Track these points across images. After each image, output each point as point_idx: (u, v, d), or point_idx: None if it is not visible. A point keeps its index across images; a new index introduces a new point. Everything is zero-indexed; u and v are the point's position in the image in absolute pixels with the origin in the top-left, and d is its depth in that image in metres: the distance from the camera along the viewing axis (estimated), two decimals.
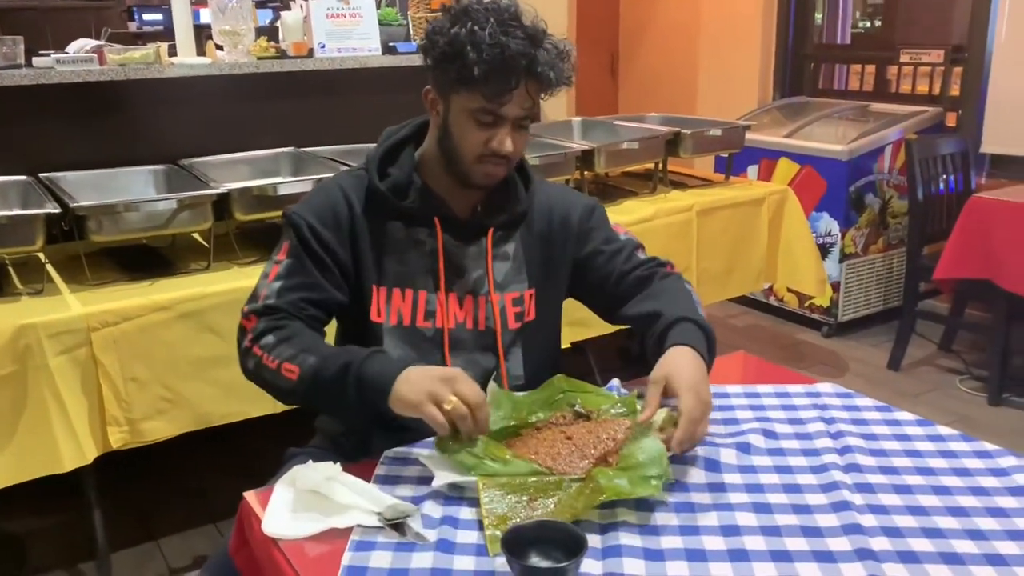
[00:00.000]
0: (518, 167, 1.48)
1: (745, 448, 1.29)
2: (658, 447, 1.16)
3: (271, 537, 1.11)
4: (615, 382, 1.49)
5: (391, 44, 2.98)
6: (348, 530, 1.10)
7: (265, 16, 4.09)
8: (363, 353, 1.26)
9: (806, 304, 3.95)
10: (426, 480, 1.19)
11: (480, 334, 1.45)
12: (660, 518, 1.12)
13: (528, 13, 1.33)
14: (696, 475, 1.22)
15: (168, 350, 2.02)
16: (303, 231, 1.38)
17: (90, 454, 1.95)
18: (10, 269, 2.18)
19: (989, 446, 1.31)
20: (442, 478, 1.17)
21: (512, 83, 1.29)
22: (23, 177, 2.33)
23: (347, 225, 1.41)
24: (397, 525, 1.09)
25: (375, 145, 1.47)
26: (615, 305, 1.50)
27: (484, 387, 1.34)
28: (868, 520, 1.11)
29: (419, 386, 1.19)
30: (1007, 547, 1.05)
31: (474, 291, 1.44)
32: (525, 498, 1.12)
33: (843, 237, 3.77)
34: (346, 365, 1.25)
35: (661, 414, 1.25)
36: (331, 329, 1.48)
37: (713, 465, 1.25)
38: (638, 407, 1.34)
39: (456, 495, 1.17)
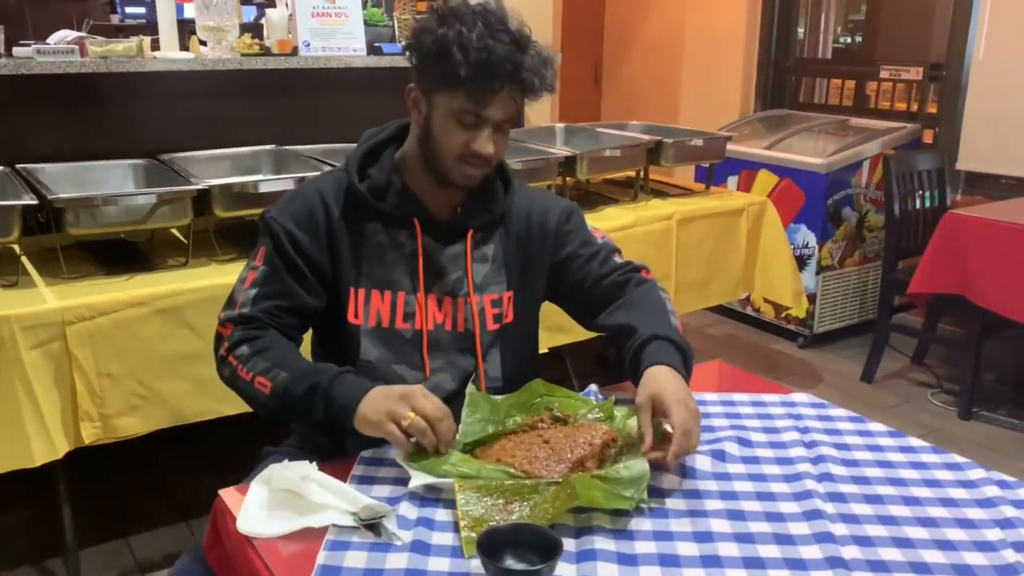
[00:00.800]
0: (498, 169, 1.48)
1: (720, 456, 1.30)
2: (643, 469, 1.16)
3: (245, 535, 1.10)
4: (593, 387, 1.50)
5: (376, 44, 2.98)
6: (323, 529, 1.10)
7: (250, 13, 4.08)
8: (331, 373, 1.28)
9: (782, 315, 3.99)
10: (402, 481, 1.19)
11: (459, 336, 1.45)
12: (634, 523, 1.13)
13: (514, 18, 1.34)
14: (671, 481, 1.23)
15: (143, 346, 2.01)
16: (280, 238, 1.39)
17: (61, 449, 1.93)
18: None
19: (959, 458, 1.33)
20: (418, 479, 1.17)
21: (496, 86, 1.30)
22: (0, 168, 2.30)
23: (324, 228, 1.41)
24: (372, 525, 1.09)
25: (355, 146, 1.47)
26: (591, 310, 1.52)
27: (463, 389, 1.34)
28: (839, 529, 1.12)
29: (379, 406, 1.22)
30: (974, 557, 1.07)
31: (453, 292, 1.44)
32: (501, 501, 1.12)
33: (820, 249, 3.81)
34: (314, 386, 1.27)
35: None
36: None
37: (688, 472, 1.26)
38: (615, 412, 1.34)
39: (432, 496, 1.17)
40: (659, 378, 1.27)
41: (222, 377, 1.38)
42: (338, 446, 1.40)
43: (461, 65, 1.27)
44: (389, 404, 1.21)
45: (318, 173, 2.32)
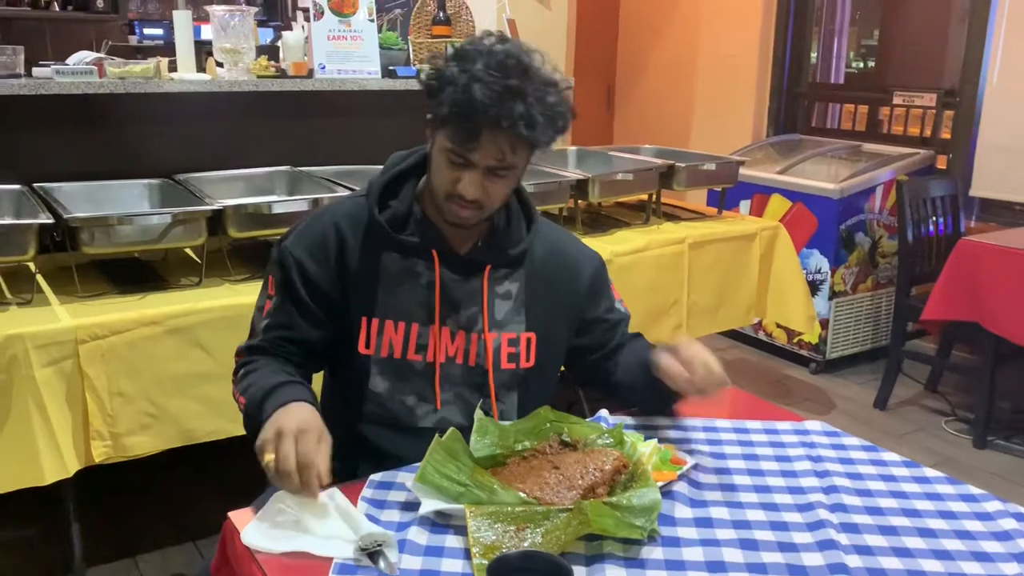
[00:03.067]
0: (522, 205, 1.48)
1: (732, 484, 1.29)
2: (654, 498, 1.16)
3: (251, 554, 1.10)
4: (603, 412, 1.49)
5: (391, 68, 3.00)
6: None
7: (267, 35, 4.12)
8: (268, 387, 1.29)
9: (794, 340, 3.97)
10: (412, 506, 1.19)
11: (470, 370, 1.44)
12: (646, 551, 1.12)
13: (529, 59, 1.29)
14: (682, 510, 1.22)
15: (155, 365, 2.01)
16: (290, 270, 1.40)
17: (72, 467, 1.93)
18: (0, 278, 2.17)
19: (975, 490, 1.32)
20: (429, 505, 1.17)
21: (475, 132, 1.27)
22: (18, 186, 2.32)
23: (336, 258, 1.41)
24: (372, 554, 1.08)
25: (380, 169, 1.47)
26: (593, 376, 1.57)
27: (471, 425, 1.33)
28: (853, 560, 1.11)
29: (263, 432, 1.19)
30: None
31: (467, 327, 1.43)
32: (513, 527, 1.11)
33: (833, 275, 3.80)
34: (262, 400, 1.28)
35: (648, 448, 1.24)
36: None
37: (700, 500, 1.25)
38: (625, 438, 1.34)
39: (443, 522, 1.16)
40: (671, 344, 1.37)
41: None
42: (349, 468, 1.39)
43: (446, 104, 1.27)
44: (265, 434, 1.18)
45: (333, 195, 2.34)
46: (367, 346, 1.41)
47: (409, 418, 1.42)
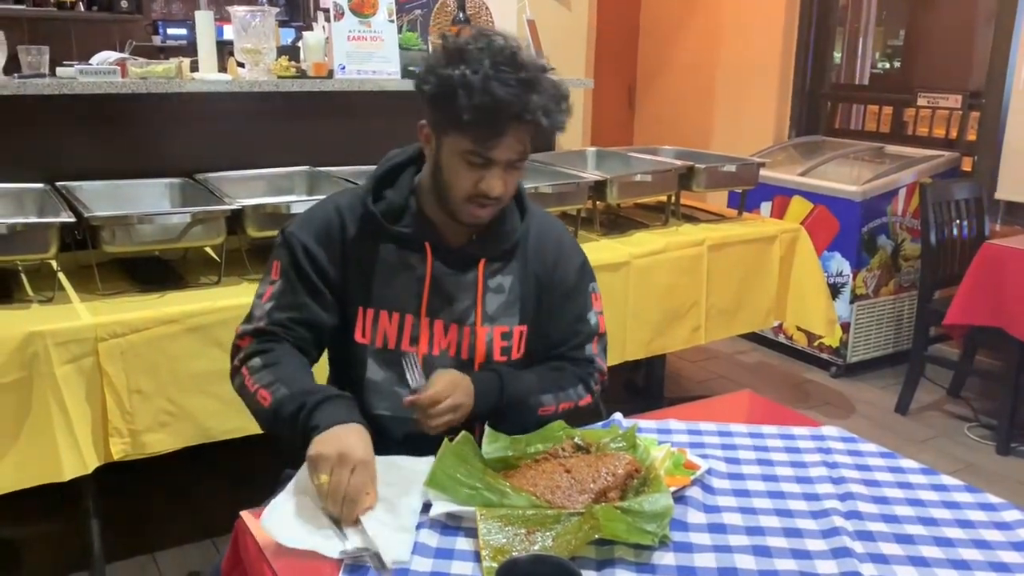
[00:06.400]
0: (515, 195, 1.47)
1: (745, 490, 1.28)
2: (666, 503, 1.15)
3: (263, 554, 1.10)
4: (617, 416, 1.48)
5: (411, 68, 3.01)
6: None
7: (288, 35, 4.14)
8: (319, 398, 1.26)
9: (815, 343, 3.93)
10: (424, 508, 1.19)
11: (463, 363, 1.44)
12: (657, 557, 1.11)
13: (525, 52, 1.31)
14: (695, 515, 1.21)
15: (174, 363, 2.03)
16: (297, 254, 1.40)
17: (91, 464, 1.95)
18: (22, 276, 2.19)
19: (994, 498, 1.30)
20: (440, 507, 1.17)
21: (501, 129, 1.28)
22: (41, 185, 2.35)
23: (339, 245, 1.42)
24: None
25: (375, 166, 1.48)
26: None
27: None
28: (868, 568, 1.09)
29: (318, 448, 1.17)
30: None
31: (460, 320, 1.44)
32: (523, 530, 1.11)
33: (854, 278, 3.76)
34: (301, 407, 1.26)
35: (661, 453, 1.24)
36: None
37: (713, 506, 1.24)
38: (638, 442, 1.33)
39: (454, 525, 1.16)
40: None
41: (234, 386, 1.40)
42: None
43: (465, 109, 1.26)
44: (322, 450, 1.16)
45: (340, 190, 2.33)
46: (363, 335, 1.42)
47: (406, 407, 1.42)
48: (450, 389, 1.33)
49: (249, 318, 1.43)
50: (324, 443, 1.18)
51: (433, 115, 1.34)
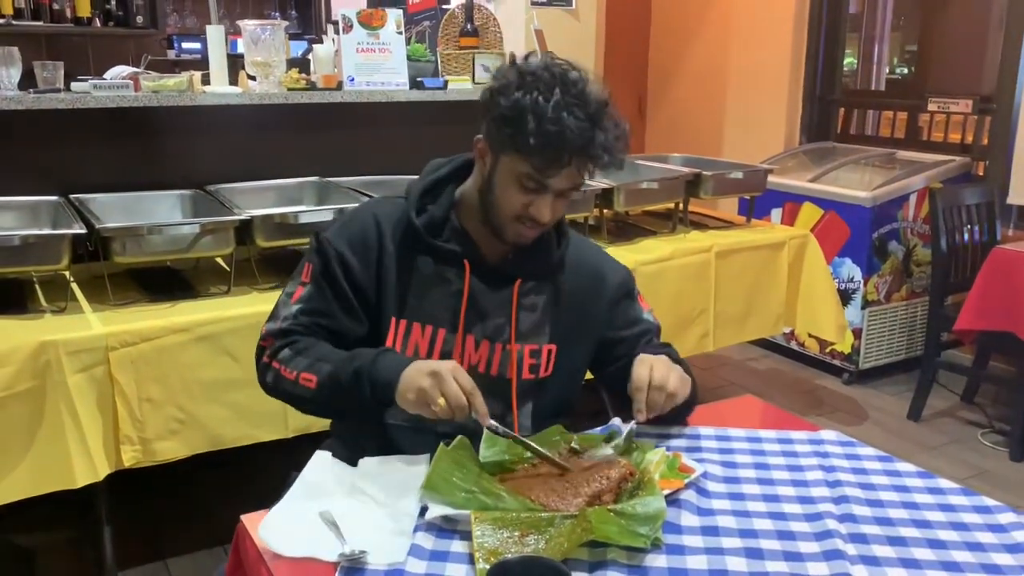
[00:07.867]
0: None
1: (740, 493, 1.29)
2: (659, 507, 1.16)
3: (262, 558, 1.12)
4: (616, 421, 1.49)
5: (419, 79, 3.04)
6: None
7: (299, 48, 4.19)
8: (371, 356, 1.32)
9: (827, 350, 3.92)
10: (420, 511, 1.20)
11: (492, 380, 1.45)
12: (649, 559, 1.12)
13: (595, 87, 1.32)
14: (689, 518, 1.22)
15: (184, 372, 2.06)
16: (331, 262, 1.42)
17: (102, 471, 1.98)
18: (36, 286, 2.24)
19: (990, 501, 1.30)
20: (436, 510, 1.18)
21: (564, 160, 1.30)
22: (55, 197, 2.40)
23: (375, 255, 1.43)
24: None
25: (410, 179, 1.49)
26: (614, 385, 1.53)
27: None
28: (859, 570, 1.10)
29: (413, 384, 1.25)
30: None
31: (492, 337, 1.45)
32: (516, 533, 1.12)
33: (865, 284, 3.75)
34: (358, 371, 1.30)
35: (656, 456, 1.25)
36: None
37: (706, 509, 1.25)
38: (634, 445, 1.34)
39: (449, 527, 1.18)
40: (645, 356, 1.39)
41: (264, 384, 1.43)
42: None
43: (532, 134, 1.27)
44: (421, 383, 1.24)
45: (372, 197, 2.35)
46: (394, 346, 1.43)
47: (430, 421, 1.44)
48: (664, 378, 1.36)
49: (274, 316, 1.44)
50: (411, 385, 1.25)
51: (496, 133, 1.34)
